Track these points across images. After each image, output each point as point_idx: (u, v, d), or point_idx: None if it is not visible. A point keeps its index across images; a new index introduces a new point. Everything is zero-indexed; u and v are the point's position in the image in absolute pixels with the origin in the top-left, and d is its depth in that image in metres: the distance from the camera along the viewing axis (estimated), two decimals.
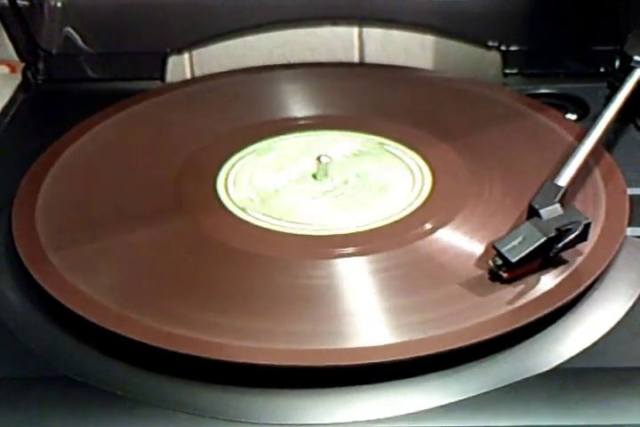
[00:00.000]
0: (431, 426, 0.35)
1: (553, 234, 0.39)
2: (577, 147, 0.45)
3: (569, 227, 0.39)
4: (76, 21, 0.62)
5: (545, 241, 0.38)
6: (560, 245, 0.39)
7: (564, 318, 0.39)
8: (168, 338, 0.36)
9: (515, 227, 0.40)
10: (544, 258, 0.39)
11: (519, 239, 0.39)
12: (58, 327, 0.39)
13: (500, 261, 0.39)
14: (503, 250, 0.38)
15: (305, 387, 0.36)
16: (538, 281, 0.39)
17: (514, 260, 0.38)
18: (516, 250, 0.38)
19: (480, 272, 0.40)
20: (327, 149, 0.49)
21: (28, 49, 0.61)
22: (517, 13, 0.61)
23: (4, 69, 0.66)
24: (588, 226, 0.39)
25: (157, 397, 0.36)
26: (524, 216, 0.41)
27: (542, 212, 0.40)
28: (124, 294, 0.39)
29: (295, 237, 0.43)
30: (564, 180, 0.42)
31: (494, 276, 0.39)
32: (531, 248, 0.38)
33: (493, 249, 0.39)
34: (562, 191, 0.41)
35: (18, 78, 0.61)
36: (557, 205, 0.40)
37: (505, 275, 0.39)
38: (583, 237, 0.40)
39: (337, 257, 0.41)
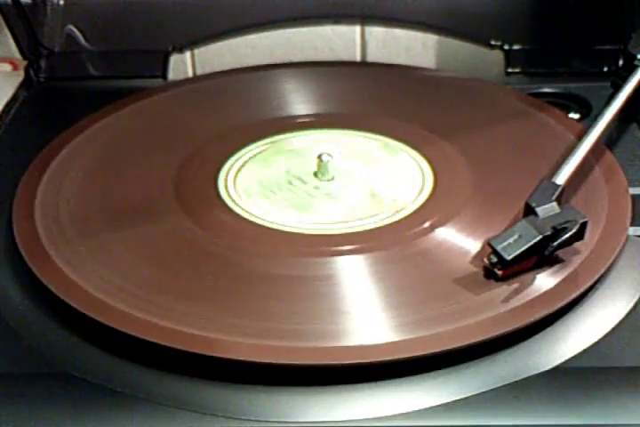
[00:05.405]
0: (431, 425, 0.34)
1: (549, 232, 0.38)
2: (576, 145, 0.44)
3: (565, 225, 0.39)
4: (78, 19, 0.62)
5: (540, 239, 0.38)
6: (556, 243, 0.38)
7: (565, 318, 0.39)
8: (167, 335, 0.36)
9: (512, 225, 0.40)
10: (540, 256, 0.39)
11: (515, 237, 0.38)
12: (58, 323, 0.39)
13: (495, 259, 0.39)
14: (498, 248, 0.38)
15: (304, 385, 0.36)
16: (540, 280, 0.39)
17: (508, 257, 0.38)
18: (512, 248, 0.38)
19: (478, 271, 0.40)
20: (329, 148, 0.49)
21: (30, 47, 0.61)
22: (520, 12, 0.61)
23: (7, 67, 0.66)
24: (584, 225, 0.39)
25: (157, 394, 0.36)
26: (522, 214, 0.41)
27: (538, 210, 0.39)
28: (125, 290, 0.39)
29: (295, 236, 0.43)
30: (561, 178, 0.42)
31: (489, 273, 0.39)
32: (526, 246, 0.38)
33: (489, 247, 0.39)
34: (559, 190, 0.41)
35: (20, 76, 0.61)
36: (554, 204, 0.40)
37: (500, 273, 0.39)
38: (579, 235, 0.39)
39: (336, 255, 0.41)
